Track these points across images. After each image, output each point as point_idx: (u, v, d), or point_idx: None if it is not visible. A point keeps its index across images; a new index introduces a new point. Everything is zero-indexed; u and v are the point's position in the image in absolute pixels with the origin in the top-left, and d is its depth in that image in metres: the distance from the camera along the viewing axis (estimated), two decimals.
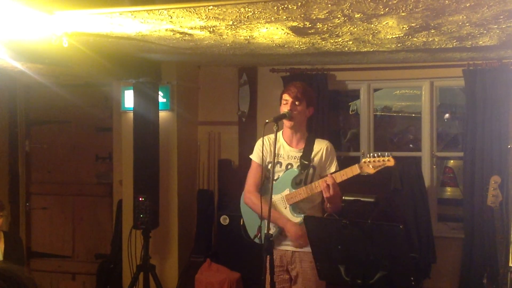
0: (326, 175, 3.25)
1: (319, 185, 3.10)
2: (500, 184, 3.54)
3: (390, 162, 2.96)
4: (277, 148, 3.25)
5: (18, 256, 3.97)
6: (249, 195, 3.33)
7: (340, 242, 2.72)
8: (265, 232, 2.87)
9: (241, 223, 3.45)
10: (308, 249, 3.00)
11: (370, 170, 3.01)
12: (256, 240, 3.24)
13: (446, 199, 6.94)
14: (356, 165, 3.03)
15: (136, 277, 4.66)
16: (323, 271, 2.89)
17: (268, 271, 2.83)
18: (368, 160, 3.00)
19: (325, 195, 3.05)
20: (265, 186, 3.27)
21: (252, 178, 3.37)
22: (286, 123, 3.25)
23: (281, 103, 3.26)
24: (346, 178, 3.06)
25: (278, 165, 3.28)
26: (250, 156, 3.42)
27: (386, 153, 2.97)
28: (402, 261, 2.61)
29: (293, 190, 3.20)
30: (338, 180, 3.06)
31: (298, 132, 3.30)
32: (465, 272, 4.65)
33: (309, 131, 3.42)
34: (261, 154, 3.32)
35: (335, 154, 3.34)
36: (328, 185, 3.03)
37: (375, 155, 2.99)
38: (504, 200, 3.66)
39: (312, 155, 3.25)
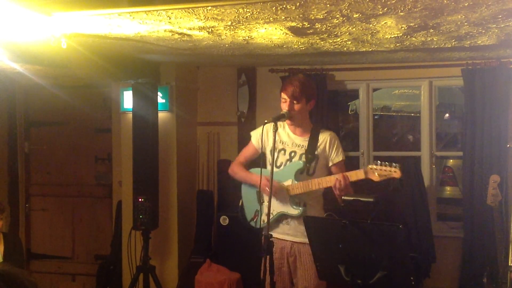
0: (331, 166, 3.28)
1: (321, 183, 3.13)
2: (499, 183, 3.54)
3: (397, 174, 2.91)
4: (282, 135, 3.30)
5: (18, 257, 3.97)
6: (232, 166, 3.53)
7: (340, 242, 2.73)
8: (266, 230, 2.90)
9: (240, 204, 3.48)
10: (306, 240, 3.01)
11: (375, 177, 3.00)
12: (252, 224, 3.32)
13: (446, 198, 6.94)
14: (362, 169, 3.04)
15: (136, 278, 4.65)
16: (323, 271, 2.89)
17: (268, 271, 2.84)
18: (375, 167, 2.98)
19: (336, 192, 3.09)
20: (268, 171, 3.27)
21: (243, 153, 3.56)
22: (287, 121, 3.27)
23: (281, 100, 3.28)
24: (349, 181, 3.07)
25: (282, 151, 3.31)
26: (251, 133, 3.51)
27: (393, 164, 2.92)
28: (402, 260, 2.61)
29: (296, 182, 3.22)
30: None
31: (301, 126, 3.33)
32: (465, 272, 4.65)
33: (313, 122, 3.43)
34: (260, 140, 3.36)
35: (340, 144, 3.34)
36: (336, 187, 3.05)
37: (382, 163, 2.95)
38: (503, 199, 3.66)
39: (317, 147, 3.27)
